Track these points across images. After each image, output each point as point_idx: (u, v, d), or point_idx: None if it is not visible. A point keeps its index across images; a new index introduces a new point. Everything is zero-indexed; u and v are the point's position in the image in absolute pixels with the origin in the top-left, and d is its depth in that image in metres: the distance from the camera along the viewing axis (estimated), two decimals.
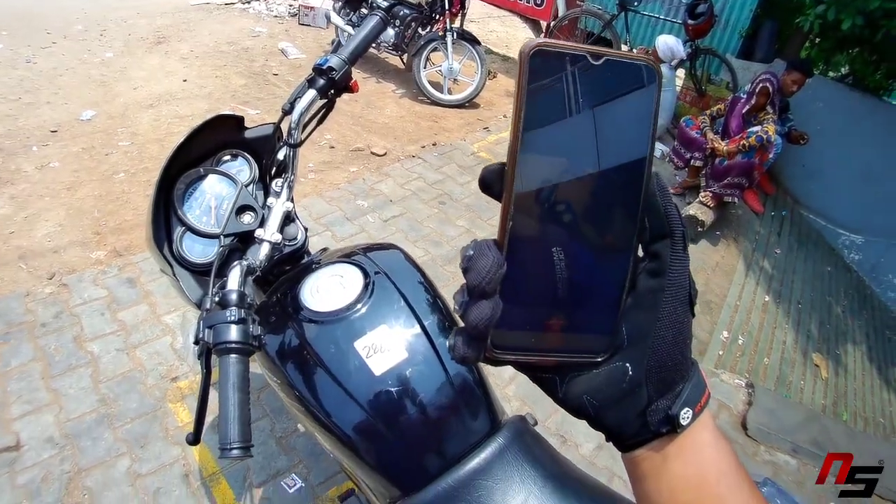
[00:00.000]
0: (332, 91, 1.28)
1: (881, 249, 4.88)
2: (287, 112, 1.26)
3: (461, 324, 0.40)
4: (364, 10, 5.64)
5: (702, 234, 4.20)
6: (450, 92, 5.38)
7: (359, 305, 1.11)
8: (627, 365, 0.41)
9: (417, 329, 1.11)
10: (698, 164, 4.46)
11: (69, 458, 2.14)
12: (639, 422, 0.42)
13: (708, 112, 4.57)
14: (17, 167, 3.64)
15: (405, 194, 3.83)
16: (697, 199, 4.31)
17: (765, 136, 4.03)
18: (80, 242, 3.11)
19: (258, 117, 4.55)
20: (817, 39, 5.13)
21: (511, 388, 2.63)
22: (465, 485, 0.97)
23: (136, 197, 3.50)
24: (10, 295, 2.75)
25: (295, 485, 2.15)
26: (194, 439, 0.93)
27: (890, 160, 4.65)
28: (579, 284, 0.40)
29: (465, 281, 0.39)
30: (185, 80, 5.03)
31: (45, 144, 3.91)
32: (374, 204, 3.67)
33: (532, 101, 0.37)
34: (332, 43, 6.01)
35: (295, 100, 1.25)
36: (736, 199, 4.29)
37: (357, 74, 5.44)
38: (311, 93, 1.24)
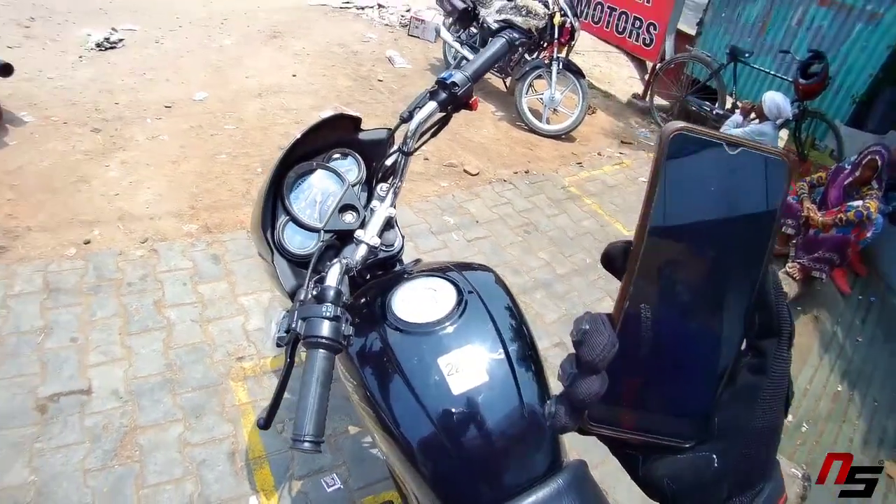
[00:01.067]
0: (451, 106, 1.27)
1: None
2: (405, 120, 1.26)
3: (558, 384, 0.42)
4: (474, 30, 5.71)
5: None
6: (548, 121, 5.34)
7: (448, 322, 1.09)
8: (714, 456, 0.40)
9: (501, 354, 1.07)
10: (790, 231, 4.21)
11: (129, 413, 2.22)
12: None
13: (808, 179, 4.31)
14: (131, 135, 3.85)
15: (492, 217, 3.81)
16: (783, 270, 4.07)
17: (865, 213, 3.76)
18: (176, 214, 3.24)
19: None
20: None
21: None
22: None
23: (234, 179, 3.62)
24: (105, 251, 2.90)
25: (334, 484, 2.14)
26: (265, 423, 0.93)
27: None
28: (681, 369, 0.41)
29: (574, 351, 0.40)
30: (294, 75, 5.21)
31: (159, 118, 4.12)
32: (461, 222, 3.66)
33: (666, 183, 0.38)
34: (453, 59, 6.08)
35: (414, 109, 1.25)
36: (824, 276, 4.01)
37: None
38: (432, 105, 1.24)
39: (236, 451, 2.18)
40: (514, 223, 3.83)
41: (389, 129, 1.36)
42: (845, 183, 4.00)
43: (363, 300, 1.21)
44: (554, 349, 2.95)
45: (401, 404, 1.04)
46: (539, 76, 5.27)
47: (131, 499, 1.97)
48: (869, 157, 3.83)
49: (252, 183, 3.63)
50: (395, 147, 1.33)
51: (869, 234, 4.09)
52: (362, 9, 7.74)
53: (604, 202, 4.43)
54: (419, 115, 1.23)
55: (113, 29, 5.23)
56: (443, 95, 1.24)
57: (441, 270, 1.23)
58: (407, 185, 3.76)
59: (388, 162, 1.33)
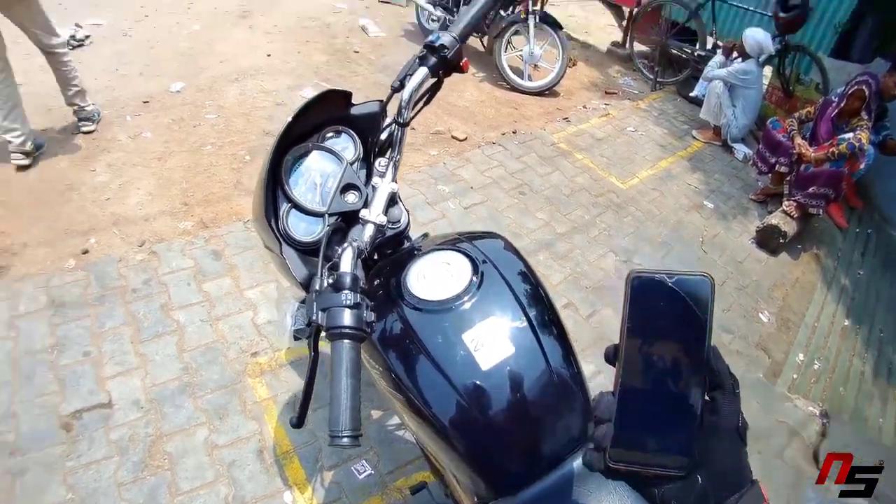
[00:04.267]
0: (443, 70, 1.23)
1: None
2: (396, 90, 1.21)
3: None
4: None
5: (783, 247, 3.97)
6: (530, 78, 5.27)
7: (467, 296, 1.06)
8: (698, 476, 0.54)
9: (524, 322, 1.06)
10: (783, 169, 4.21)
11: (153, 422, 2.23)
12: None
13: (797, 115, 4.27)
14: (113, 136, 3.78)
15: (485, 182, 3.79)
16: (780, 209, 4.06)
17: (857, 144, 3.72)
18: (169, 212, 3.21)
19: None
20: None
21: None
22: (561, 492, 0.94)
23: (222, 170, 3.58)
24: (105, 259, 2.87)
25: (365, 471, 2.17)
26: (298, 422, 0.92)
27: None
28: (668, 420, 0.55)
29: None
30: (268, 55, 5.10)
31: (138, 115, 4.04)
32: (455, 190, 3.64)
33: (633, 309, 0.56)
34: (427, 21, 5.94)
35: (405, 77, 1.21)
36: (821, 212, 4.01)
37: None
38: (423, 70, 1.20)
39: (264, 449, 2.20)
40: (508, 185, 3.81)
41: (381, 101, 1.31)
42: (833, 115, 3.97)
43: (377, 281, 1.18)
44: (564, 310, 2.96)
45: (430, 385, 1.03)
46: (516, 32, 5.19)
47: None
48: (856, 86, 3.79)
49: (241, 171, 3.58)
50: (390, 119, 1.28)
51: (862, 166, 4.13)
52: None
53: (594, 156, 4.42)
54: (411, 83, 1.19)
55: (77, 25, 5.07)
56: (432, 60, 1.20)
57: (452, 243, 1.21)
58: None
59: (384, 135, 1.28)
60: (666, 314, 0.56)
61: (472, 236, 1.24)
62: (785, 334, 3.40)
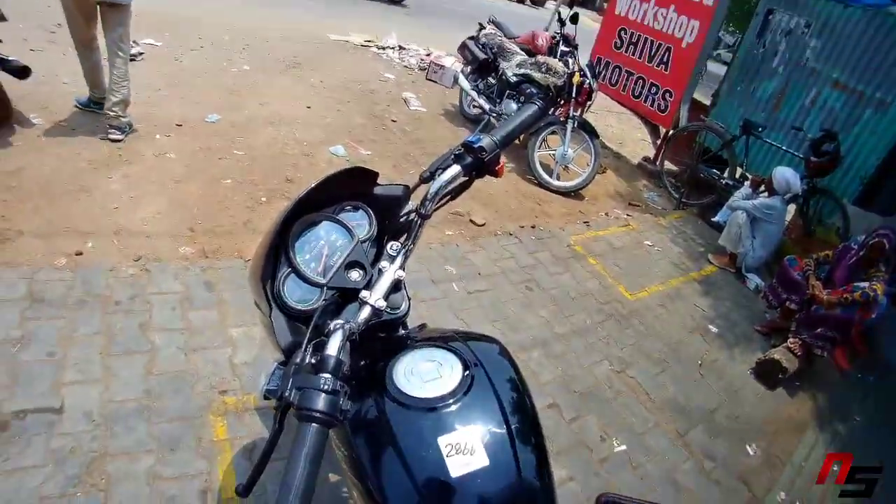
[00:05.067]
0: (476, 172, 1.21)
1: None
2: (425, 180, 1.19)
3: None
4: (492, 80, 5.80)
5: (781, 382, 3.88)
6: (558, 178, 5.36)
7: (452, 399, 1.02)
8: None
9: (505, 436, 1.01)
10: (793, 307, 4.17)
11: (99, 438, 2.10)
12: None
13: (815, 256, 4.30)
14: (138, 150, 3.81)
15: (494, 270, 3.76)
16: (784, 345, 3.99)
17: (871, 294, 3.73)
18: (173, 234, 3.17)
19: (367, 158, 4.64)
20: None
21: None
22: None
23: (236, 205, 3.57)
24: (97, 264, 2.82)
25: None
26: (245, 491, 0.86)
27: None
28: None
29: None
30: (308, 107, 5.22)
31: (168, 135, 4.09)
32: (462, 273, 3.60)
33: None
34: (469, 107, 6.12)
35: (437, 170, 1.18)
36: (825, 354, 3.95)
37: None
38: (456, 168, 1.17)
39: (209, 490, 2.06)
40: (516, 278, 3.77)
41: (407, 187, 1.29)
42: (851, 263, 4.00)
43: (362, 363, 1.13)
44: (548, 410, 2.87)
45: (394, 482, 0.97)
46: (553, 132, 5.33)
47: None
48: (876, 239, 3.82)
49: (255, 211, 3.57)
50: (410, 206, 1.27)
51: (873, 315, 4.06)
52: (383, 49, 7.85)
53: (608, 263, 4.40)
54: (441, 178, 1.16)
55: (134, 42, 5.25)
56: (468, 160, 1.18)
57: (446, 340, 1.15)
58: None
59: (402, 220, 1.26)
60: None
61: (468, 336, 1.19)
62: (769, 470, 3.26)
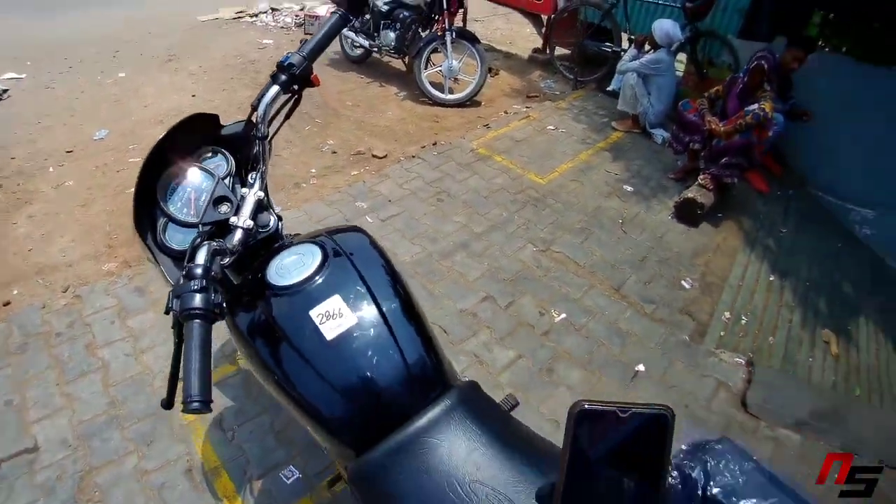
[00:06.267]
0: (296, 86, 1.38)
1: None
2: (255, 108, 1.35)
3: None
4: (367, 16, 5.73)
5: (702, 217, 4.16)
6: (451, 91, 5.45)
7: (316, 278, 1.19)
8: None
9: (369, 298, 1.18)
10: (697, 146, 4.43)
11: (81, 457, 2.26)
12: None
13: (706, 94, 4.52)
14: (35, 188, 3.82)
15: (403, 194, 3.90)
16: (696, 183, 4.27)
17: (762, 114, 3.97)
18: (93, 256, 3.26)
19: None
20: (829, 15, 5.07)
21: (505, 376, 2.69)
22: (412, 441, 1.02)
23: None
24: (28, 308, 2.91)
25: (293, 476, 2.23)
26: (168, 403, 1.06)
27: None
28: None
29: None
30: (193, 96, 5.19)
31: (61, 165, 4.09)
32: (373, 205, 3.73)
33: (576, 446, 0.53)
34: (352, 48, 6.12)
35: (261, 96, 1.35)
36: (735, 181, 4.24)
37: (359, 80, 5.57)
38: (274, 88, 1.35)
39: (193, 468, 2.25)
40: (425, 194, 3.92)
41: (245, 120, 1.44)
42: (739, 91, 4.23)
43: (247, 278, 1.31)
44: (482, 304, 3.07)
45: (288, 363, 1.14)
46: (435, 49, 5.36)
47: None
48: (755, 63, 4.04)
49: None
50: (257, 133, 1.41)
51: (771, 134, 4.33)
52: (255, 16, 7.68)
53: (513, 156, 4.57)
54: (264, 100, 1.34)
55: None
56: (283, 77, 1.35)
57: (312, 237, 1.33)
58: (318, 180, 3.85)
59: (254, 150, 1.39)
60: (617, 451, 0.54)
61: (332, 231, 1.36)
62: (709, 297, 3.53)
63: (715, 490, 0.91)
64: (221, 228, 1.29)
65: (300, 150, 4.20)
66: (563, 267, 3.46)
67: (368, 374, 1.11)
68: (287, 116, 1.45)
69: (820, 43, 5.18)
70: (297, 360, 1.12)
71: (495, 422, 1.10)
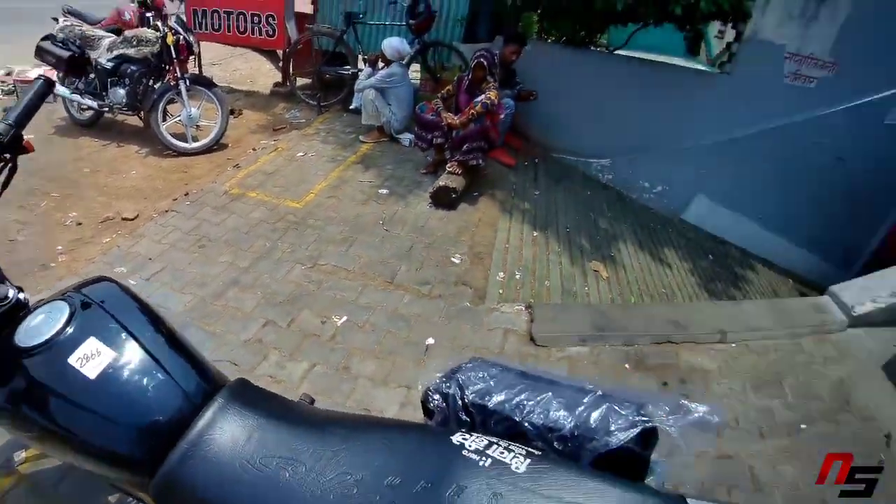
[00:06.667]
0: (7, 154, 1.34)
1: (626, 164, 5.94)
2: None
3: None
4: (92, 76, 5.46)
5: (458, 200, 4.64)
6: (195, 139, 5.40)
7: (67, 328, 1.17)
8: None
9: (125, 333, 1.20)
10: (439, 141, 4.95)
11: None
12: None
13: (440, 95, 5.10)
14: None
15: (163, 249, 3.82)
16: (445, 171, 4.78)
17: (489, 102, 4.60)
18: None
19: None
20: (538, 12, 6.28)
21: (305, 386, 2.79)
22: (196, 443, 1.07)
23: None
24: None
25: None
26: None
27: (608, 93, 5.76)
28: None
29: None
30: None
31: None
32: (133, 267, 3.61)
33: None
34: (79, 112, 5.79)
35: None
36: (480, 162, 4.79)
37: (94, 143, 5.31)
38: None
39: None
40: (186, 244, 3.89)
41: None
42: (466, 87, 4.88)
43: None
44: (263, 329, 3.14)
45: (60, 413, 1.13)
46: (171, 100, 5.28)
47: None
48: (475, 60, 4.70)
49: None
50: None
51: (503, 116, 5.14)
52: None
53: (267, 189, 4.69)
54: None
55: None
56: None
57: (62, 293, 1.30)
58: (67, 255, 3.67)
59: None
60: None
61: (78, 286, 1.34)
62: (480, 265, 3.91)
63: (471, 396, 1.13)
64: None
65: (40, 230, 3.92)
66: (333, 276, 3.64)
67: (140, 397, 1.15)
68: (3, 187, 1.38)
69: (543, 35, 6.44)
70: (69, 408, 1.13)
71: (274, 405, 1.20)
